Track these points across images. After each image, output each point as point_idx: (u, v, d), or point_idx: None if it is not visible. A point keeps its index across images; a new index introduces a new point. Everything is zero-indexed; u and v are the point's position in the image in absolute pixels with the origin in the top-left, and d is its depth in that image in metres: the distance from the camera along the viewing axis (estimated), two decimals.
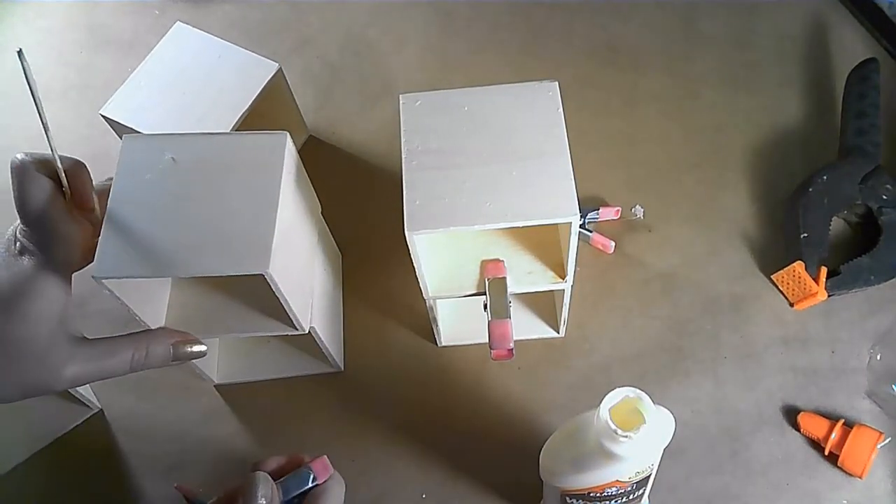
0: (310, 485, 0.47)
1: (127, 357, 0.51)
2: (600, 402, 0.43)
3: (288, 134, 0.56)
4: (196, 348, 0.55)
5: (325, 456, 0.48)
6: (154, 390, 0.70)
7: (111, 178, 0.54)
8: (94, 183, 0.51)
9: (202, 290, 0.61)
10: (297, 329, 0.59)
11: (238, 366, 0.70)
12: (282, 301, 0.55)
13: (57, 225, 0.48)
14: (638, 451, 0.43)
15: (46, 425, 0.68)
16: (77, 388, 0.65)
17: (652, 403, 0.43)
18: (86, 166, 0.50)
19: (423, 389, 0.68)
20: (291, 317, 0.57)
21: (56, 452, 0.67)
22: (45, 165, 0.48)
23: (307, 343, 0.64)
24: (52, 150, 0.48)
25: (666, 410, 0.47)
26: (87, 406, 0.68)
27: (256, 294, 0.59)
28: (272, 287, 0.53)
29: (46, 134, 0.47)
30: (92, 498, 0.66)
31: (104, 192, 0.52)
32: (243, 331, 0.59)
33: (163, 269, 0.51)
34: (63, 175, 0.48)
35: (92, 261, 0.53)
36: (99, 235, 0.51)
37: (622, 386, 0.43)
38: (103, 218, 0.52)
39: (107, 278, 0.50)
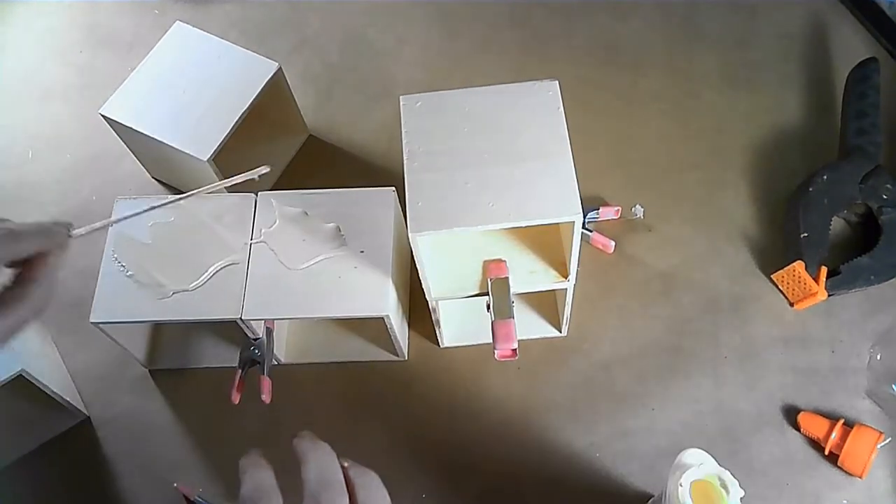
0: None
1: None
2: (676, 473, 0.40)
3: (394, 189, 0.63)
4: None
5: None
6: (154, 390, 0.70)
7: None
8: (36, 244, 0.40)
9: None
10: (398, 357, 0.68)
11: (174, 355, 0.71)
12: (391, 336, 0.64)
13: None
14: None
15: (37, 428, 0.67)
16: (64, 396, 0.64)
17: (739, 488, 0.41)
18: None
19: (423, 389, 0.68)
20: (396, 347, 0.67)
21: (56, 452, 0.67)
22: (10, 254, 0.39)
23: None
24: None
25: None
26: (74, 414, 0.67)
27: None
28: (387, 327, 0.62)
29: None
30: (92, 498, 0.66)
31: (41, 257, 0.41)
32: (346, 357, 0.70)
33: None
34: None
35: None
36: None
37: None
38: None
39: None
